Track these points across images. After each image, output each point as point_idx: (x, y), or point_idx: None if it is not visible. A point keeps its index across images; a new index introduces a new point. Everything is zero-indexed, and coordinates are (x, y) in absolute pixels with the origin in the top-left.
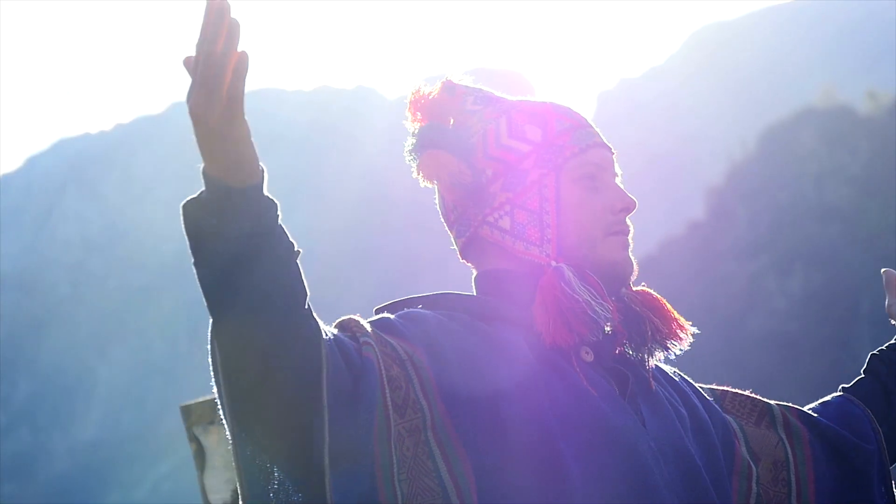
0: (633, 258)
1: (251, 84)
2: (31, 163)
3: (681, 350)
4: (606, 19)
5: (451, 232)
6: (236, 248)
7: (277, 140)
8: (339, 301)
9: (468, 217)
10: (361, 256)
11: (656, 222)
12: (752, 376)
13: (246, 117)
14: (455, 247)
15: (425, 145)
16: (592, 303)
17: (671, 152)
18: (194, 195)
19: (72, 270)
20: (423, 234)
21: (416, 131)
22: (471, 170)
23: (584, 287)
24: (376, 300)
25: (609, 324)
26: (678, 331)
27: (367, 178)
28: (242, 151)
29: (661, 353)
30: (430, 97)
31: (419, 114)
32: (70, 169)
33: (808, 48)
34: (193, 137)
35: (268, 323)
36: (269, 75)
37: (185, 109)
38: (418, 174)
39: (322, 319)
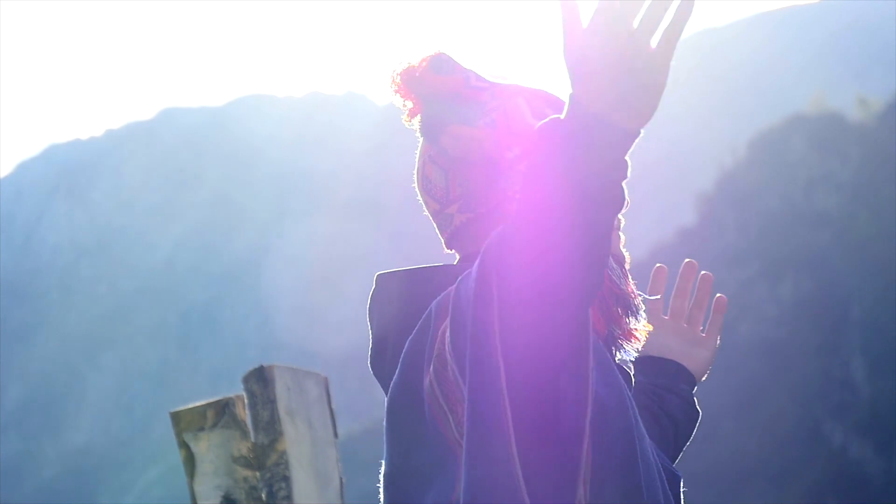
0: (626, 253)
1: (241, 90)
2: (22, 168)
3: (636, 350)
4: None
5: (447, 207)
6: (603, 190)
7: (268, 146)
8: (329, 306)
9: (484, 193)
10: (351, 261)
11: (647, 229)
12: (742, 382)
13: (236, 123)
14: (435, 224)
15: (447, 121)
16: (635, 292)
17: (661, 159)
18: (556, 124)
19: (62, 276)
20: (412, 239)
21: (431, 108)
22: (491, 147)
23: (624, 276)
24: (366, 306)
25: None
26: (633, 330)
27: (357, 183)
28: (650, 97)
29: (620, 353)
30: (427, 71)
31: (413, 89)
32: (61, 175)
33: (798, 55)
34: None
35: (596, 268)
36: (259, 81)
37: (176, 116)
38: (444, 148)
39: (311, 324)
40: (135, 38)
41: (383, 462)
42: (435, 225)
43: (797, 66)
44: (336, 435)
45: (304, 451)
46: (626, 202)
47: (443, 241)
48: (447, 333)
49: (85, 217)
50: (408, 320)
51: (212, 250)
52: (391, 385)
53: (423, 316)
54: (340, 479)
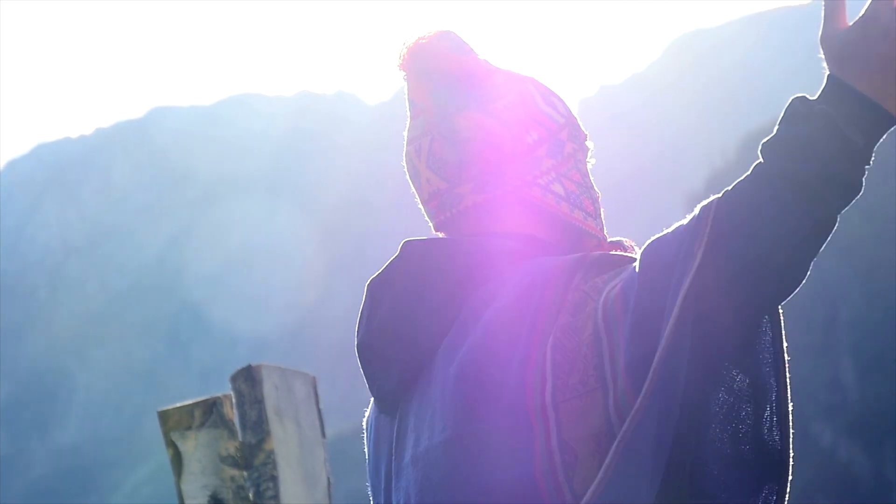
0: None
1: (231, 89)
2: (11, 166)
3: None
4: (587, 26)
5: (458, 187)
6: (849, 172)
7: (258, 145)
8: (319, 305)
9: (501, 175)
10: (342, 261)
11: (636, 229)
12: None
13: (226, 122)
14: (431, 205)
15: (461, 107)
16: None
17: (652, 159)
18: (807, 100)
19: (51, 274)
20: (403, 238)
21: (446, 86)
22: (511, 130)
23: (593, 216)
24: (356, 305)
25: None
26: None
27: (347, 182)
28: None
29: None
30: (443, 49)
31: (426, 65)
32: (50, 173)
33: (789, 55)
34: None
35: (809, 260)
36: (249, 80)
37: (166, 114)
38: (460, 128)
39: (302, 323)
40: (125, 37)
41: (430, 432)
42: (431, 206)
43: (789, 68)
44: (324, 435)
45: (291, 451)
46: (861, 191)
47: (436, 222)
48: (615, 296)
49: (75, 215)
50: (458, 286)
51: (202, 249)
52: (468, 348)
53: (524, 283)
54: (328, 478)
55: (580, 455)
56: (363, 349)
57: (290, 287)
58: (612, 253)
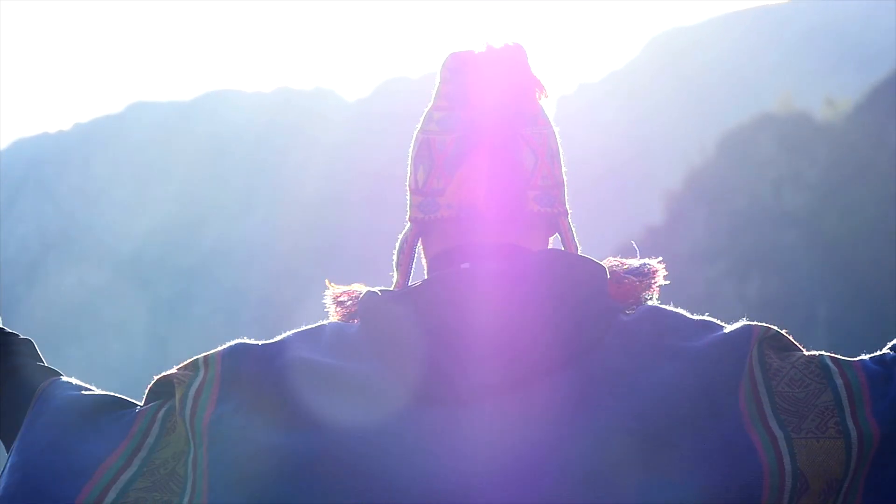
0: None
1: (209, 84)
2: None
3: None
4: (566, 23)
5: (527, 190)
6: None
7: (236, 141)
8: (296, 301)
9: (557, 194)
10: (319, 257)
11: (614, 227)
12: None
13: (204, 117)
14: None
15: (531, 119)
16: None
17: (630, 157)
18: None
19: (28, 270)
20: (381, 236)
21: (518, 100)
22: (558, 157)
23: None
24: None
25: None
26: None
27: (326, 179)
28: None
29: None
30: (521, 60)
31: (508, 69)
32: (28, 168)
33: (768, 54)
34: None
35: None
36: (227, 76)
37: (144, 110)
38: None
39: (279, 318)
40: (103, 33)
41: (586, 424)
42: None
43: (766, 66)
44: None
45: None
46: None
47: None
48: (862, 383)
49: (52, 211)
50: (601, 307)
51: (180, 244)
52: (671, 373)
53: (710, 338)
54: None
55: (813, 488)
56: (474, 334)
57: (268, 283)
58: (776, 330)
